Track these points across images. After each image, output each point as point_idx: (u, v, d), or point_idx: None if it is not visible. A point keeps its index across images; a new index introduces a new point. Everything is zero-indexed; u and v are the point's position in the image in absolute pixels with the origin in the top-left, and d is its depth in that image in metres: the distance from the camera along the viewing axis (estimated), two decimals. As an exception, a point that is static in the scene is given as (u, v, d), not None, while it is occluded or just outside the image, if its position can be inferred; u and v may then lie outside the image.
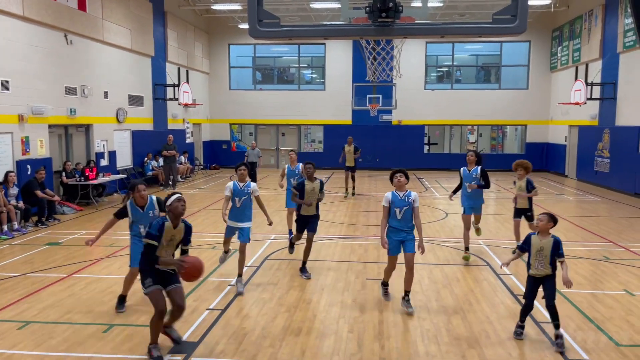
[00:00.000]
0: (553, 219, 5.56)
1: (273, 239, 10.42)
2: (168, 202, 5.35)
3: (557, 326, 5.47)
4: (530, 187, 9.12)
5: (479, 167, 8.92)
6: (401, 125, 25.31)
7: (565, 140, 22.55)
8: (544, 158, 24.80)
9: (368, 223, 12.15)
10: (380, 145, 25.03)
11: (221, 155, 26.28)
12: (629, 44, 16.84)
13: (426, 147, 25.73)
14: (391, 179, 6.57)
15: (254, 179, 17.99)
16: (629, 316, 6.34)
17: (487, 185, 8.92)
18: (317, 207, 8.05)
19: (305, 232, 8.01)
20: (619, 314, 6.40)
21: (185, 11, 22.69)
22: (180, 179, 20.03)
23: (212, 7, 22.04)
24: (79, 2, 14.56)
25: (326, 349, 5.45)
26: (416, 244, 6.43)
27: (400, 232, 6.45)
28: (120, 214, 6.41)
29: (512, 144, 26.46)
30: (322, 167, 25.79)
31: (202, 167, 24.37)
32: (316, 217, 8.07)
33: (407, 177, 6.59)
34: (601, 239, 10.51)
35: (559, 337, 5.44)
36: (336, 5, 20.79)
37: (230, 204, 7.41)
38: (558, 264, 5.48)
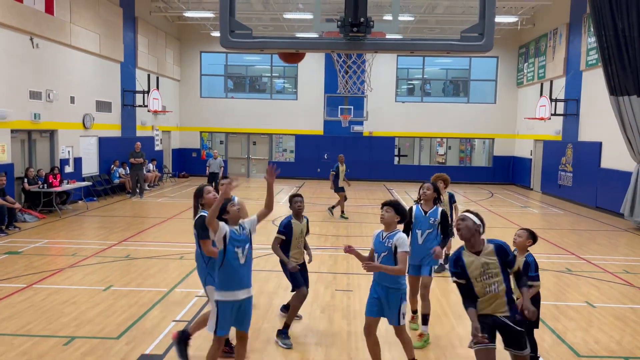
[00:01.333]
0: (533, 236, 5.03)
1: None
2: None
3: None
4: (452, 200, 8.64)
5: (439, 209, 6.23)
6: (372, 136, 25.54)
7: (531, 154, 23.15)
8: (510, 171, 25.39)
9: (338, 234, 12.17)
10: (352, 155, 25.11)
11: (191, 164, 25.97)
12: (591, 62, 17.47)
13: (396, 159, 26.03)
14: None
15: (217, 190, 17.27)
16: (589, 327, 6.51)
17: (447, 237, 6.34)
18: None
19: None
20: (581, 325, 6.57)
21: (157, 17, 22.45)
22: (147, 187, 19.69)
23: (184, 14, 21.87)
24: (46, 5, 14.24)
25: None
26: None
27: (379, 286, 4.88)
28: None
29: (480, 157, 27.01)
30: (294, 176, 25.74)
31: (170, 175, 24.03)
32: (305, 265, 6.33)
33: (397, 212, 4.91)
34: (564, 251, 10.79)
35: None
36: (309, 16, 20.93)
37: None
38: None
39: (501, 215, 15.47)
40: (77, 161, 16.24)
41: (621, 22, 13.01)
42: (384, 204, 5.00)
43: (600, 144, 16.92)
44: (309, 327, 6.34)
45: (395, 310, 4.85)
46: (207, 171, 17.98)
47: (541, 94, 20.46)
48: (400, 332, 4.97)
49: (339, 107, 23.69)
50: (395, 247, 4.76)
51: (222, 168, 18.13)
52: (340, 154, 15.72)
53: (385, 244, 4.83)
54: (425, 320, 5.99)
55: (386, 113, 25.30)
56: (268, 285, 7.97)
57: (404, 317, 4.92)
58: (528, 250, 5.05)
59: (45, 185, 13.38)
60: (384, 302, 4.88)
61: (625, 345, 5.96)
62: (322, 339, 5.97)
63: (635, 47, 12.99)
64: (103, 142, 17.79)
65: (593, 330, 6.42)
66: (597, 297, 7.73)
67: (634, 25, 12.94)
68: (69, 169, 15.68)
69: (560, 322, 6.66)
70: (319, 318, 6.64)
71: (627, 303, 7.52)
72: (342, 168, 14.62)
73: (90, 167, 17.22)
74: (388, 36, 4.29)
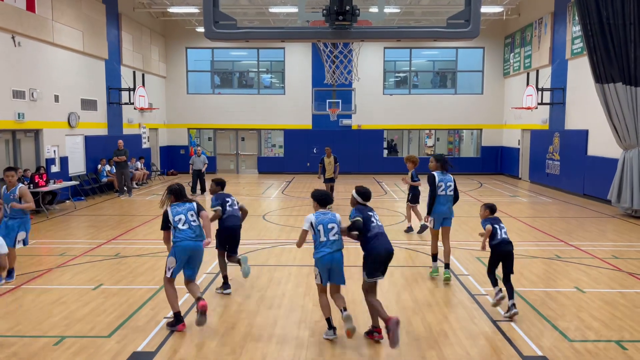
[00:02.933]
0: (489, 208, 7.00)
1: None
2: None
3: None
4: (414, 178, 11.05)
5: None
6: (361, 129, 25.54)
7: (519, 144, 23.29)
8: (498, 161, 25.54)
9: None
10: (341, 149, 25.08)
11: (179, 161, 25.79)
12: (576, 50, 17.58)
13: (385, 151, 26.05)
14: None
15: (203, 189, 17.53)
16: (580, 312, 6.57)
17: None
18: None
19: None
20: (571, 311, 6.63)
21: (141, 14, 22.21)
22: (136, 185, 19.53)
23: (169, 9, 21.65)
24: (27, 2, 14.01)
25: (287, 355, 5.40)
26: None
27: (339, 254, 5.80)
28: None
29: (468, 148, 27.13)
30: (283, 171, 25.66)
31: (159, 172, 23.85)
32: None
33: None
34: (553, 239, 10.88)
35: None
36: (295, 9, 20.81)
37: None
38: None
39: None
40: (64, 160, 16.06)
41: (605, 11, 13.09)
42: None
43: (586, 132, 17.07)
44: (302, 319, 6.33)
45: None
46: (190, 169, 17.72)
47: (527, 84, 20.57)
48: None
49: (327, 100, 23.62)
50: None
51: (206, 165, 17.70)
52: (327, 146, 15.90)
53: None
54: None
55: (374, 106, 25.30)
56: (259, 280, 7.95)
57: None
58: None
59: (32, 185, 13.21)
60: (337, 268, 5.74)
61: (615, 329, 6.02)
62: (316, 331, 5.96)
63: (619, 35, 13.09)
64: (89, 141, 17.60)
65: (583, 315, 6.48)
66: (587, 283, 7.80)
67: (618, 13, 13.03)
68: (55, 168, 15.50)
69: (551, 308, 6.72)
70: (311, 311, 6.63)
71: (616, 287, 7.60)
72: (329, 160, 14.89)
73: (77, 166, 17.03)
74: (374, 25, 4.27)
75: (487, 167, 25.61)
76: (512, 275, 6.44)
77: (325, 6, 3.87)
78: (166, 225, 6.08)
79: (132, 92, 19.99)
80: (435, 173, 7.86)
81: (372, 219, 5.81)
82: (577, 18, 15.50)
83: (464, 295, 7.19)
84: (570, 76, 18.30)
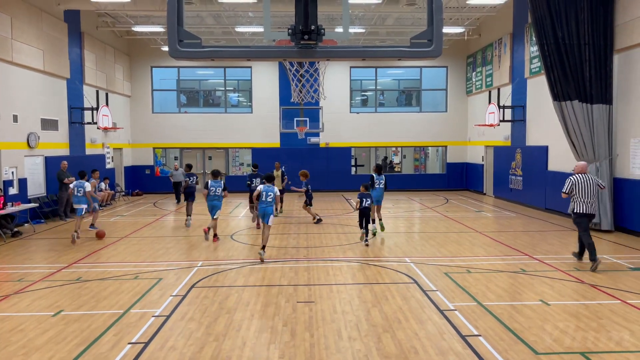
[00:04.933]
0: (364, 186, 12.33)
1: (200, 265, 10.09)
2: None
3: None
4: (302, 186, 15.62)
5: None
6: (329, 147, 25.68)
7: (482, 160, 23.83)
8: (463, 177, 26.04)
9: (298, 245, 12.09)
10: (309, 167, 24.99)
11: (144, 181, 25.32)
12: (534, 70, 18.21)
13: (353, 169, 26.23)
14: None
15: (178, 198, 20.81)
16: (545, 325, 6.68)
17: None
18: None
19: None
20: (537, 324, 6.73)
21: (104, 32, 21.92)
22: (99, 207, 19.01)
23: (133, 28, 21.44)
24: (-16, 20, 13.64)
25: (256, 377, 5.28)
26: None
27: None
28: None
29: (434, 165, 27.60)
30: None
31: (123, 193, 23.33)
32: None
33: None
34: (518, 252, 11.10)
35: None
36: (260, 29, 20.92)
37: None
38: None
39: (457, 220, 15.80)
40: (22, 182, 15.52)
41: (561, 31, 13.64)
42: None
43: (547, 148, 17.60)
44: (271, 340, 6.23)
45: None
46: (171, 181, 21.08)
47: (489, 102, 21.15)
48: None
49: (295, 119, 23.72)
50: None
51: (185, 177, 17.98)
52: (277, 161, 18.86)
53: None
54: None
55: (342, 124, 25.52)
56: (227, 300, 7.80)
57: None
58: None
59: (-12, 208, 12.70)
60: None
61: (581, 341, 6.14)
62: (286, 351, 5.87)
63: (575, 54, 13.64)
64: (50, 162, 17.09)
65: (549, 327, 6.59)
66: (551, 295, 7.96)
67: (573, 34, 13.60)
68: (13, 190, 14.96)
69: (517, 321, 6.81)
70: (281, 331, 6.54)
71: (580, 299, 7.77)
72: (277, 173, 17.22)
73: (37, 188, 16.49)
74: (339, 44, 4.31)
75: (453, 183, 26.07)
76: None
77: (290, 25, 3.89)
78: (206, 187, 12.38)
79: (95, 112, 19.60)
80: (374, 174, 13.49)
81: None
82: (534, 38, 16.08)
83: (432, 311, 7.22)
84: (530, 94, 18.92)
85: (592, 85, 13.63)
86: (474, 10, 19.73)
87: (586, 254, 9.90)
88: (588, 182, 9.80)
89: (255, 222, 14.87)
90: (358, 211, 12.20)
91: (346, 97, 25.77)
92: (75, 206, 12.82)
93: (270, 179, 10.83)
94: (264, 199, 10.42)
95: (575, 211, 9.96)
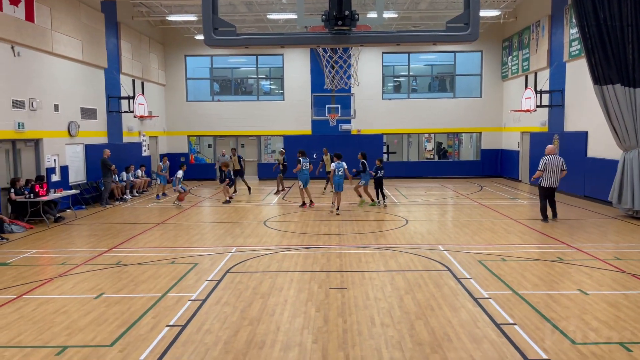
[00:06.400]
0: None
1: (234, 251, 10.26)
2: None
3: None
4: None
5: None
6: (360, 134, 25.56)
7: (518, 147, 23.29)
8: (498, 164, 25.54)
9: (330, 232, 12.15)
10: (341, 154, 25.19)
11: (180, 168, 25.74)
12: (574, 53, 17.61)
13: (385, 156, 26.07)
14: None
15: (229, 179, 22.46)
16: (583, 315, 6.54)
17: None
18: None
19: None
20: (574, 313, 6.60)
21: (139, 22, 22.28)
22: (137, 193, 19.53)
23: (167, 18, 21.72)
24: (26, 13, 14.05)
25: (290, 361, 5.38)
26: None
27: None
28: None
29: (467, 151, 27.14)
30: (284, 177, 25.66)
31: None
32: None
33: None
34: (555, 241, 10.86)
35: None
36: (293, 16, 20.87)
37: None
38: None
39: (491, 208, 15.54)
40: (64, 169, 16.06)
41: (602, 12, 13.13)
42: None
43: (586, 134, 17.07)
44: (305, 325, 6.31)
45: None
46: (216, 165, 22.93)
47: (526, 86, 20.60)
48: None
49: (327, 106, 23.67)
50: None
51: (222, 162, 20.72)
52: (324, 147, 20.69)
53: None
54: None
55: (373, 111, 25.33)
56: (262, 286, 7.94)
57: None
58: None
59: (32, 195, 13.20)
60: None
61: (619, 331, 6.00)
62: (319, 337, 5.94)
63: (617, 36, 13.12)
64: (90, 150, 17.61)
65: (587, 317, 6.45)
66: (590, 285, 7.78)
67: (615, 15, 13.07)
68: (55, 177, 15.50)
69: (555, 310, 6.69)
70: (314, 317, 6.61)
71: (619, 289, 7.57)
72: (327, 157, 19.51)
73: (78, 175, 17.03)
74: (373, 30, 4.27)
75: (487, 170, 25.61)
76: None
77: (324, 11, 3.88)
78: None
79: (131, 100, 20.02)
80: (336, 160, 15.06)
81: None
82: (574, 20, 15.53)
83: (466, 299, 7.16)
84: (569, 78, 18.33)
85: (636, 69, 13.09)
86: (510, -8, 19.16)
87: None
88: (556, 162, 12.60)
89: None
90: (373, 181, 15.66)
91: (378, 84, 25.54)
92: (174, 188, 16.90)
93: (339, 157, 14.73)
94: (337, 173, 14.31)
95: (541, 185, 12.78)
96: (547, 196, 12.83)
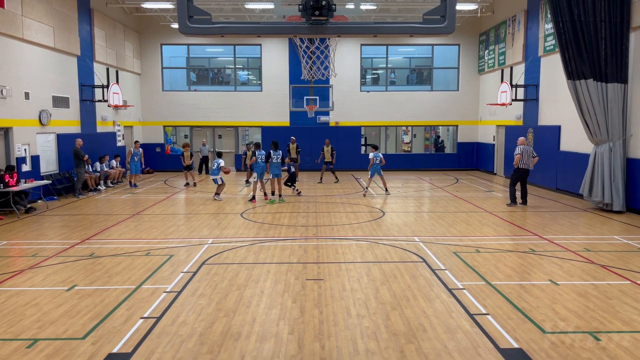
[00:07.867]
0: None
1: (210, 243, 10.19)
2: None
3: None
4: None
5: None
6: (338, 126, 25.57)
7: (494, 140, 23.62)
8: (474, 157, 25.87)
9: (307, 224, 12.15)
10: (319, 146, 25.15)
11: (155, 159, 25.45)
12: (549, 48, 17.89)
13: (363, 148, 26.15)
14: None
15: (207, 171, 23.17)
16: (554, 305, 6.69)
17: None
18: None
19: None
20: (545, 303, 6.75)
21: (114, 9, 21.81)
22: (111, 184, 19.21)
23: (142, 5, 21.31)
24: (-5, -4, 13.62)
25: (266, 352, 5.37)
26: None
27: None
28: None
29: (444, 144, 27.40)
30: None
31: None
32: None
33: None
34: (527, 233, 11.07)
35: None
36: (271, 5, 20.68)
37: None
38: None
39: (466, 200, 15.76)
40: (35, 159, 15.68)
41: (577, 8, 13.34)
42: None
43: (559, 128, 17.40)
44: (281, 316, 6.31)
45: None
46: (200, 155, 23.61)
47: (502, 80, 20.86)
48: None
49: (305, 97, 23.62)
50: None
51: (211, 152, 21.62)
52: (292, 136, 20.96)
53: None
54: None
55: (352, 103, 25.35)
56: (238, 278, 7.90)
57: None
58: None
59: (2, 185, 12.87)
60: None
61: (589, 320, 6.16)
62: (295, 327, 5.95)
63: (590, 32, 13.36)
64: (62, 139, 17.22)
65: (557, 307, 6.60)
66: (560, 276, 7.96)
67: (589, 11, 13.30)
68: (26, 167, 15.12)
69: (526, 300, 6.83)
70: (291, 308, 6.61)
71: (589, 280, 7.77)
72: (327, 149, 19.99)
73: (49, 165, 16.66)
74: (350, 20, 4.25)
75: (463, 163, 25.92)
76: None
77: (301, 1, 3.84)
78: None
79: (105, 89, 19.63)
80: (271, 151, 15.18)
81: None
82: (549, 15, 15.76)
83: (441, 290, 7.26)
84: (543, 73, 18.62)
85: (608, 64, 13.37)
86: (487, -14, 19.32)
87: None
88: (528, 150, 14.26)
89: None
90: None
91: (356, 76, 25.55)
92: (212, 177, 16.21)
93: (376, 147, 16.80)
94: (375, 161, 16.30)
95: (519, 167, 14.24)
96: (520, 179, 14.37)
